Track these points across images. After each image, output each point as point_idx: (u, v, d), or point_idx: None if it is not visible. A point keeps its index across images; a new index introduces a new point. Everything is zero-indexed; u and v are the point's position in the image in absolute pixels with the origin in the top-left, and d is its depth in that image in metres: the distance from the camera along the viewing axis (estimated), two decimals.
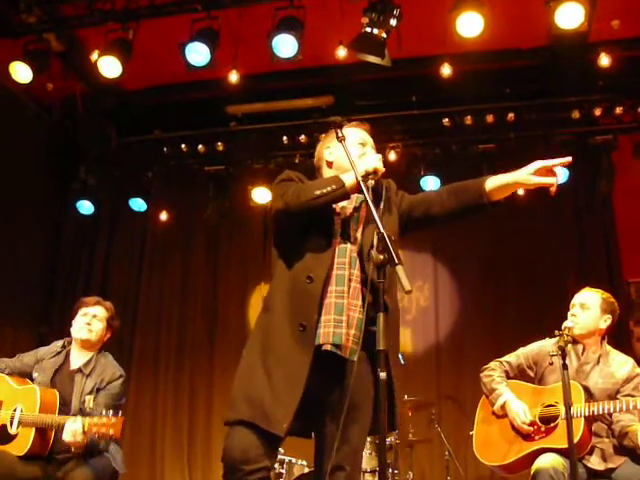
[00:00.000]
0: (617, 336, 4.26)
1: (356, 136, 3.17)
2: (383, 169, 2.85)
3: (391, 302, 2.83)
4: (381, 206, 2.84)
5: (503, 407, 4.06)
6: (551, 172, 2.92)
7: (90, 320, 4.33)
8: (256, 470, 2.65)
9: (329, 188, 2.81)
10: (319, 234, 2.87)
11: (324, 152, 3.20)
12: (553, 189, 2.91)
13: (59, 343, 4.43)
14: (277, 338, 2.80)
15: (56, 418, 3.96)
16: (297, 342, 2.75)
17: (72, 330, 4.39)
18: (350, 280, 2.81)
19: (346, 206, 2.95)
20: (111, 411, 3.79)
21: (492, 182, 2.97)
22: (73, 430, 3.74)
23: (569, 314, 4.07)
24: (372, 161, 2.85)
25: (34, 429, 3.98)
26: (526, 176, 2.92)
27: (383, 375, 2.39)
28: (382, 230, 2.51)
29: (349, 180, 2.81)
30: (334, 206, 2.89)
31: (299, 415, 2.70)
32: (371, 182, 2.75)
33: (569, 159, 2.87)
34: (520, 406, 4.00)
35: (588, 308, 4.05)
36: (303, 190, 2.86)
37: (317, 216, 2.85)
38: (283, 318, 2.82)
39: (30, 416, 4.01)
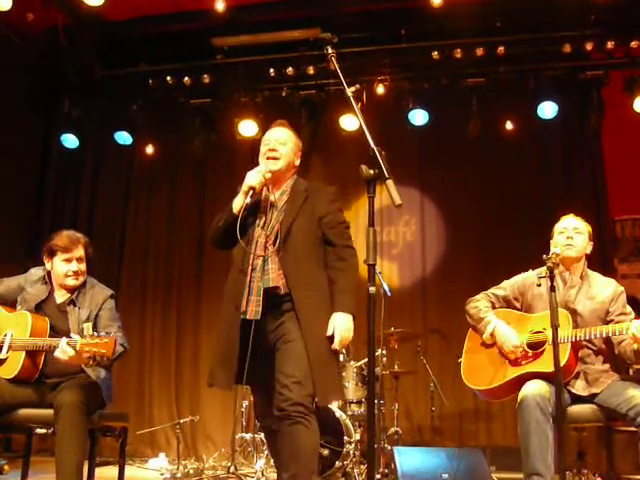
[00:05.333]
0: (602, 273, 4.30)
1: (265, 137, 3.81)
2: (258, 184, 3.55)
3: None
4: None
5: (493, 334, 4.09)
6: None
7: (77, 267, 4.21)
8: None
9: (224, 217, 3.65)
10: (237, 238, 3.51)
11: None
12: None
13: (39, 273, 4.32)
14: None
15: (47, 340, 3.96)
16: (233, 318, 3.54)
17: (54, 274, 4.25)
18: (254, 260, 3.54)
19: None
20: (103, 332, 3.83)
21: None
22: (64, 348, 3.76)
23: (563, 237, 4.10)
24: (248, 180, 3.57)
25: (24, 352, 3.97)
26: None
27: (372, 289, 2.39)
28: (373, 145, 2.49)
29: (235, 206, 3.60)
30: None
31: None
32: (249, 199, 3.52)
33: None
34: (510, 331, 4.05)
35: (581, 233, 4.14)
36: (214, 223, 3.74)
37: (229, 232, 3.56)
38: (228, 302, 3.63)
39: (21, 340, 4.00)
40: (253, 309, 3.46)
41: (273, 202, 3.66)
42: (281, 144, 3.72)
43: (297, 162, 3.82)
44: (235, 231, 3.45)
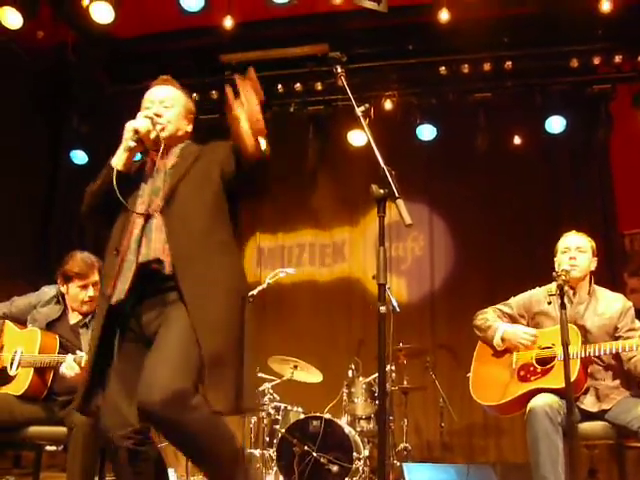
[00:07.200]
0: (611, 287, 4.29)
1: (145, 98, 3.12)
2: (144, 130, 2.88)
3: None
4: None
5: (503, 338, 4.09)
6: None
7: (93, 293, 4.17)
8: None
9: (100, 179, 2.90)
10: (120, 207, 2.86)
11: None
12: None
13: (51, 292, 4.31)
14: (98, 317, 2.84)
15: (55, 357, 3.97)
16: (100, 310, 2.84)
17: (68, 298, 4.24)
18: (131, 233, 2.80)
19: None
20: None
21: None
22: (70, 364, 3.77)
23: (566, 257, 4.10)
24: (130, 124, 2.88)
25: (32, 369, 3.99)
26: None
27: (383, 309, 2.39)
28: (383, 165, 2.50)
29: (115, 162, 2.86)
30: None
31: None
32: (132, 143, 2.84)
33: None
34: (519, 327, 4.07)
35: (584, 251, 4.12)
36: (87, 191, 2.96)
37: (107, 200, 2.84)
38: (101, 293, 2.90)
39: (29, 356, 4.01)
40: (117, 288, 2.73)
41: (160, 168, 2.94)
42: (166, 107, 3.03)
43: (189, 128, 3.12)
44: (114, 192, 2.74)
